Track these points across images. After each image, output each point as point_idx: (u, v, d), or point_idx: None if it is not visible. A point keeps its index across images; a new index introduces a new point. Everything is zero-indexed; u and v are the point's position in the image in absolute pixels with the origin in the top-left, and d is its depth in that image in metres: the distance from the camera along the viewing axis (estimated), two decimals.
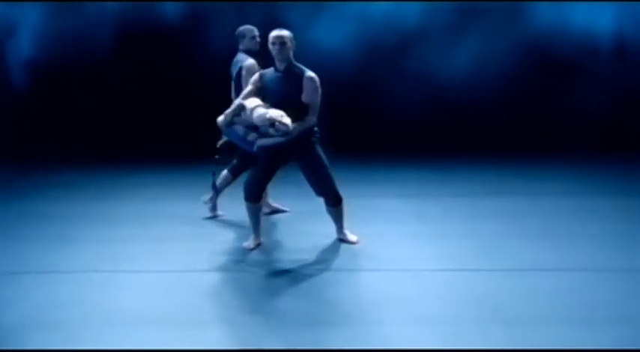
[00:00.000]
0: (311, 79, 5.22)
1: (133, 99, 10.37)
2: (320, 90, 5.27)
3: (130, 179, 8.34)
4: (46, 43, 10.55)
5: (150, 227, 6.10)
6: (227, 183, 6.25)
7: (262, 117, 4.93)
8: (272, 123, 4.87)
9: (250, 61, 6.01)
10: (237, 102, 5.28)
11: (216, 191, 6.25)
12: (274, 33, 5.22)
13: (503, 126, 10.13)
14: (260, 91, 5.27)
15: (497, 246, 5.39)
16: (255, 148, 5.21)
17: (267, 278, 4.83)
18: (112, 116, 10.33)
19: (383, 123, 10.27)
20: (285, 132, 4.92)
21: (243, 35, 6.19)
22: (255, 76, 5.40)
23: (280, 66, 5.25)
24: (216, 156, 5.61)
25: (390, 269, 4.92)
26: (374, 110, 10.41)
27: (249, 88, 5.36)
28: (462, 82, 10.29)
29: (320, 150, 5.37)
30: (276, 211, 6.49)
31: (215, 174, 6.00)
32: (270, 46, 5.22)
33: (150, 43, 10.43)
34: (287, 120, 4.88)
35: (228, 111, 5.22)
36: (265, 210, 6.17)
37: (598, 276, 4.68)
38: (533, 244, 5.41)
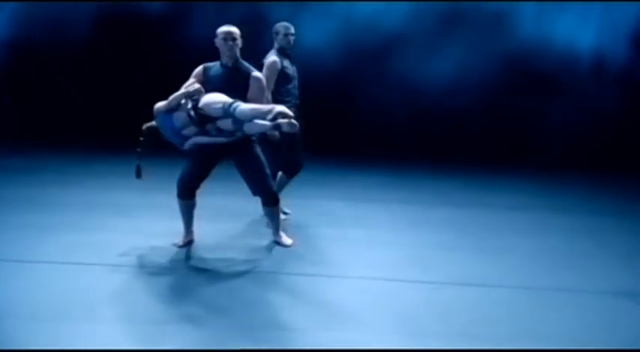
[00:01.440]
0: (258, 78, 5.15)
1: (107, 83, 10.34)
2: (266, 91, 5.20)
3: (93, 165, 8.29)
4: (24, 23, 10.53)
5: (87, 216, 6.03)
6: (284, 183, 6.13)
7: (259, 111, 4.74)
8: (275, 118, 4.69)
9: (272, 59, 5.87)
10: (183, 90, 4.99)
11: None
12: (225, 28, 5.13)
13: (477, 136, 10.08)
14: (202, 85, 5.10)
15: (430, 256, 5.32)
16: (186, 145, 5.04)
17: (183, 276, 4.74)
18: (85, 99, 10.31)
19: (357, 125, 10.20)
20: (292, 131, 4.81)
21: (277, 32, 6.02)
22: (199, 69, 5.25)
23: (227, 62, 5.15)
24: (140, 139, 5.09)
25: (315, 274, 4.85)
26: (351, 110, 10.34)
27: (190, 80, 5.19)
28: (440, 88, 10.23)
29: (258, 149, 5.28)
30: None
31: (140, 158, 5.19)
32: (221, 42, 5.11)
33: (128, 27, 10.41)
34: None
35: (172, 97, 4.95)
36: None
37: (516, 293, 4.59)
38: (467, 257, 5.33)
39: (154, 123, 5.08)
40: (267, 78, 5.68)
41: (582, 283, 4.85)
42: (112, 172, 7.66)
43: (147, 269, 4.83)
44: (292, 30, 6.01)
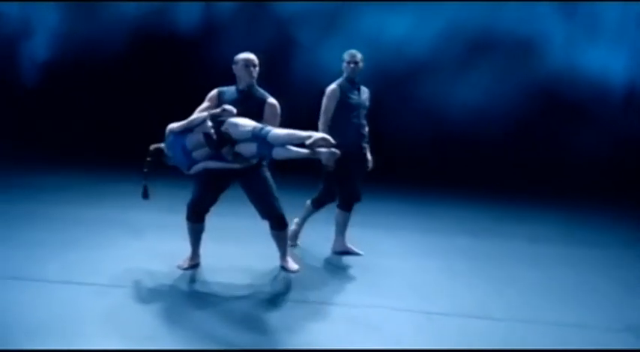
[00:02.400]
0: (273, 105, 5.19)
1: (135, 103, 10.53)
2: (279, 118, 5.22)
3: (120, 185, 8.35)
4: (60, 44, 10.84)
5: (96, 235, 6.10)
6: (309, 213, 6.15)
7: (295, 136, 4.70)
8: (314, 145, 4.63)
9: (331, 86, 5.83)
10: (201, 115, 4.97)
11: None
12: (247, 55, 5.20)
13: (502, 164, 9.96)
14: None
15: (433, 285, 5.25)
16: (193, 169, 5.01)
17: (181, 298, 4.73)
18: (118, 119, 10.51)
19: (381, 150, 10.12)
20: (329, 162, 4.88)
21: (343, 60, 5.89)
22: (213, 93, 5.26)
23: (243, 87, 5.21)
24: (147, 159, 5.09)
25: (315, 301, 4.80)
26: (376, 136, 10.28)
27: (205, 104, 5.22)
28: (466, 116, 10.20)
29: (267, 173, 5.28)
30: (347, 253, 6.06)
31: (147, 178, 5.17)
32: (242, 68, 5.17)
33: (161, 49, 10.61)
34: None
35: (195, 117, 4.95)
36: (339, 249, 6.05)
37: (517, 327, 4.47)
38: (471, 287, 5.25)
39: (161, 145, 5.11)
40: (325, 106, 5.77)
41: (587, 318, 4.72)
42: (128, 191, 7.68)
43: (146, 290, 4.82)
44: (357, 58, 5.84)
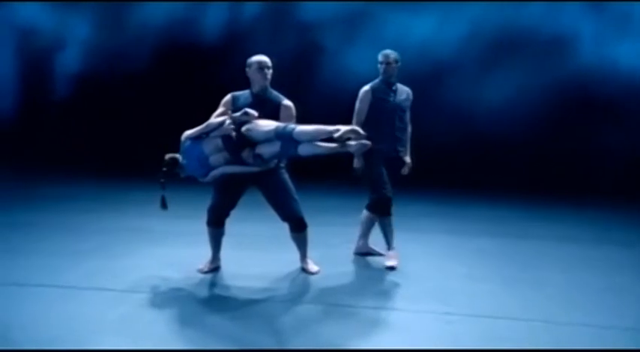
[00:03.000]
0: (289, 107, 5.18)
1: (166, 113, 10.61)
2: (295, 120, 5.17)
3: (146, 193, 8.37)
4: (90, 56, 11.02)
5: (116, 242, 6.16)
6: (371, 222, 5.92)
7: (322, 131, 4.67)
8: (343, 138, 4.59)
9: (364, 88, 5.72)
10: (218, 119, 5.00)
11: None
12: (260, 58, 5.20)
13: (530, 163, 9.80)
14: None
15: (452, 287, 5.14)
16: (210, 176, 4.99)
17: (200, 303, 4.71)
18: (145, 129, 10.60)
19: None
20: (362, 149, 4.79)
21: (378, 60, 5.74)
22: (228, 98, 5.26)
23: (257, 90, 5.19)
24: (163, 169, 5.04)
25: (334, 303, 4.71)
26: None
27: (220, 110, 5.21)
28: (493, 115, 10.02)
29: (285, 175, 5.26)
30: (369, 254, 5.98)
31: (165, 188, 5.10)
32: (255, 71, 5.15)
33: (187, 59, 10.69)
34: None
35: (201, 127, 4.94)
36: (361, 250, 5.98)
37: (534, 327, 4.34)
38: (491, 289, 5.12)
39: (176, 155, 5.08)
40: (357, 108, 5.68)
41: (608, 319, 4.53)
42: (150, 199, 7.78)
43: (163, 295, 4.82)
44: (389, 58, 5.66)
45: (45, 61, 11.38)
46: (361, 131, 4.72)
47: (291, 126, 4.76)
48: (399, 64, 5.72)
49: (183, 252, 5.77)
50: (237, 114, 4.90)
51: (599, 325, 4.43)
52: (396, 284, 5.24)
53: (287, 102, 5.20)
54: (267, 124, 4.87)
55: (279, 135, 4.77)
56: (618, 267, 5.87)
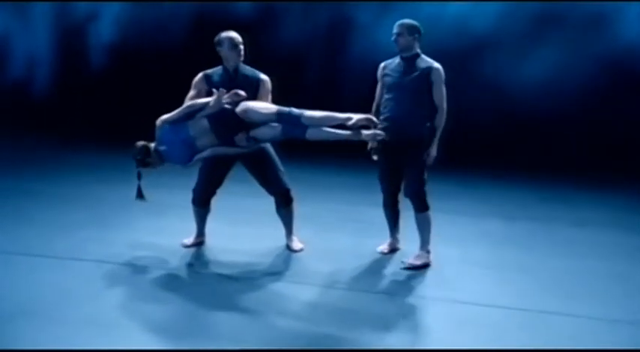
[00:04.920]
0: (267, 81, 5.06)
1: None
2: (270, 94, 5.06)
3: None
4: (125, 29, 11.12)
5: (115, 213, 6.19)
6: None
7: (333, 118, 4.47)
8: (356, 126, 4.39)
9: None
10: (201, 100, 4.76)
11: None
12: (232, 34, 5.03)
13: (568, 143, 9.34)
14: (206, 96, 4.85)
15: (446, 272, 4.94)
16: (195, 159, 4.80)
17: (176, 276, 4.71)
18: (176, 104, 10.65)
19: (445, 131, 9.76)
20: (375, 138, 4.60)
21: None
22: (199, 78, 5.03)
23: (231, 67, 5.02)
24: (138, 158, 4.87)
25: (308, 283, 4.61)
26: None
27: (193, 91, 4.98)
28: (531, 93, 9.61)
29: (270, 149, 5.16)
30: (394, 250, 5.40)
31: (140, 178, 5.02)
32: (230, 49, 4.96)
33: (220, 30, 10.63)
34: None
35: (180, 110, 4.73)
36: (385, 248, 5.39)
37: (511, 314, 4.12)
38: (485, 275, 4.89)
39: (149, 143, 4.85)
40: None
41: (596, 309, 4.27)
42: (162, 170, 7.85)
43: (141, 268, 4.80)
44: (395, 29, 5.05)
45: (80, 33, 11.55)
46: (375, 119, 4.52)
47: (297, 110, 4.56)
48: (417, 35, 5.03)
49: (179, 225, 5.69)
50: (227, 94, 4.65)
51: (590, 316, 4.19)
52: (383, 266, 5.05)
53: (264, 76, 5.06)
54: (265, 106, 4.70)
55: (283, 119, 4.58)
56: (626, 254, 5.53)
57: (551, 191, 8.01)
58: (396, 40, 5.02)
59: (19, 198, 6.64)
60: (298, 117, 4.53)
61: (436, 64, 4.97)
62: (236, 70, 5.02)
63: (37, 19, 11.80)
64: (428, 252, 5.05)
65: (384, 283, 4.71)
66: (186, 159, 4.80)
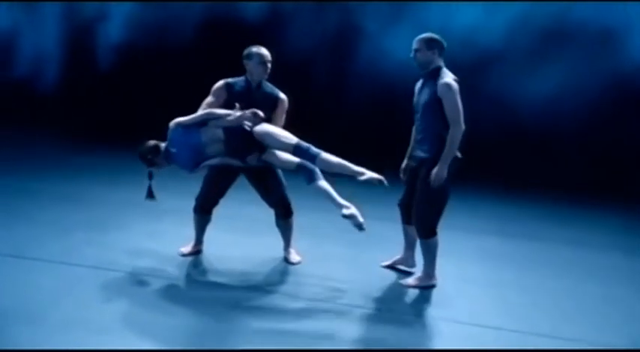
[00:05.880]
0: (285, 101, 5.10)
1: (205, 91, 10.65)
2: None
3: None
4: (133, 29, 11.14)
5: (113, 216, 6.16)
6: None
7: (346, 168, 4.58)
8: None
9: None
10: (221, 110, 4.77)
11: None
12: (263, 51, 5.01)
13: (572, 162, 9.29)
14: (224, 105, 4.88)
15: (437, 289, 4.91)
16: (201, 166, 4.81)
17: (170, 285, 4.67)
18: (184, 106, 10.64)
19: None
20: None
21: None
22: (220, 85, 5.03)
23: (255, 81, 5.03)
24: (148, 157, 4.88)
25: (306, 298, 4.59)
26: None
27: (210, 98, 4.98)
28: (536, 110, 9.58)
29: None
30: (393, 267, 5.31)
31: (152, 178, 5.01)
32: (257, 64, 4.96)
33: (228, 37, 10.61)
34: None
35: (197, 115, 4.74)
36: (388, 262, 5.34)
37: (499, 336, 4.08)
38: (476, 294, 4.87)
39: (160, 142, 4.87)
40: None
41: (591, 334, 4.26)
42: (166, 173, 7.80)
43: (132, 275, 4.77)
44: (414, 46, 4.83)
45: (89, 33, 11.57)
46: (385, 182, 4.53)
47: (315, 149, 4.62)
48: (436, 50, 4.79)
49: (177, 230, 5.69)
50: (247, 112, 4.67)
51: (584, 340, 4.17)
52: (380, 281, 5.04)
53: (283, 96, 5.10)
54: (285, 136, 4.72)
55: (299, 153, 4.64)
56: (620, 277, 5.51)
57: (550, 209, 7.97)
58: (414, 56, 4.84)
59: (17, 196, 6.62)
60: (314, 156, 4.61)
61: (443, 80, 4.71)
62: (259, 85, 5.03)
63: (47, 17, 11.82)
64: (430, 275, 4.94)
65: (380, 298, 4.69)
66: (193, 164, 4.80)
